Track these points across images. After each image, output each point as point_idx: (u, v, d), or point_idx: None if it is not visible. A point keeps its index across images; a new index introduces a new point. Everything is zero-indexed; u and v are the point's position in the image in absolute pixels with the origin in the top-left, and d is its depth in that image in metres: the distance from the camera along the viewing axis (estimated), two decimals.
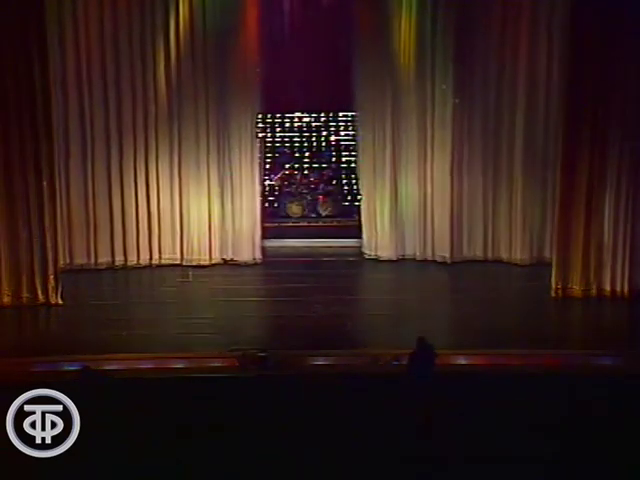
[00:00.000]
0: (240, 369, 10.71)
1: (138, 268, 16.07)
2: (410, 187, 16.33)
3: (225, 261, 16.40)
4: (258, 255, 16.56)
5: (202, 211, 16.22)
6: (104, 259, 15.98)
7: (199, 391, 9.62)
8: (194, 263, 16.19)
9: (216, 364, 11.19)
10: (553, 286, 14.05)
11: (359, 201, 17.57)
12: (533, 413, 8.23)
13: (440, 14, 15.55)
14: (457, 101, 15.85)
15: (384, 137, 16.31)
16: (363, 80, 16.50)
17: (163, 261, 16.27)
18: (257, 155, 16.79)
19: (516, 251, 15.97)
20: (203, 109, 15.97)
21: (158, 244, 16.23)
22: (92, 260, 15.91)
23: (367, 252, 16.73)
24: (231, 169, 16.27)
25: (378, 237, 16.61)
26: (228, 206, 16.33)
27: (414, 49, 15.88)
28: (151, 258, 16.22)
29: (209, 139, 16.07)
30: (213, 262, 16.29)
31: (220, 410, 8.67)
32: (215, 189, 16.23)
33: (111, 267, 16.01)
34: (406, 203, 16.40)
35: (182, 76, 15.77)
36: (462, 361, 11.40)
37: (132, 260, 16.12)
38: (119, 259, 16.07)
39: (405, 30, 15.89)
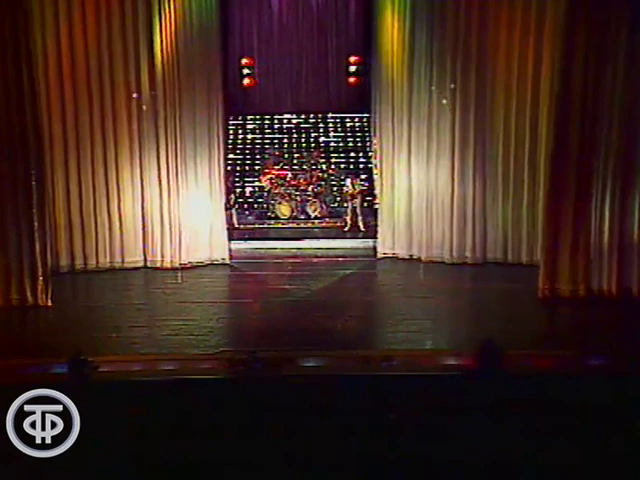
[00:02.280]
0: (229, 370, 10.70)
1: (100, 271, 16.03)
2: (431, 188, 16.31)
3: (183, 265, 16.33)
4: (220, 256, 16.59)
5: (164, 213, 16.18)
6: (65, 262, 15.89)
7: (188, 392, 9.62)
8: (158, 265, 16.23)
9: (205, 366, 11.17)
10: (540, 287, 13.94)
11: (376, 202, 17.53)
12: (529, 414, 8.32)
13: (462, 17, 15.53)
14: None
15: (401, 139, 16.32)
16: (380, 84, 16.53)
17: (126, 264, 16.22)
18: (221, 158, 16.69)
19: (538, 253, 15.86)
20: (164, 113, 15.89)
21: (120, 247, 16.18)
22: (54, 263, 15.68)
23: (383, 251, 16.79)
24: (186, 171, 16.16)
25: (395, 237, 16.69)
26: (189, 208, 16.29)
27: (436, 52, 15.83)
28: (112, 261, 16.17)
29: (170, 143, 15.97)
30: (178, 264, 16.25)
31: (210, 411, 8.70)
32: (177, 191, 16.16)
33: (72, 270, 15.92)
34: (427, 204, 16.39)
35: (142, 80, 15.72)
36: (454, 362, 11.45)
37: (92, 263, 16.04)
38: (79, 262, 15.99)
39: (426, 33, 15.86)
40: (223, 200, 16.87)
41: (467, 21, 15.47)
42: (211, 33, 16.23)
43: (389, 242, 16.78)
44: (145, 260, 16.32)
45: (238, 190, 19.84)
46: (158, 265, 16.22)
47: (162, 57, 15.65)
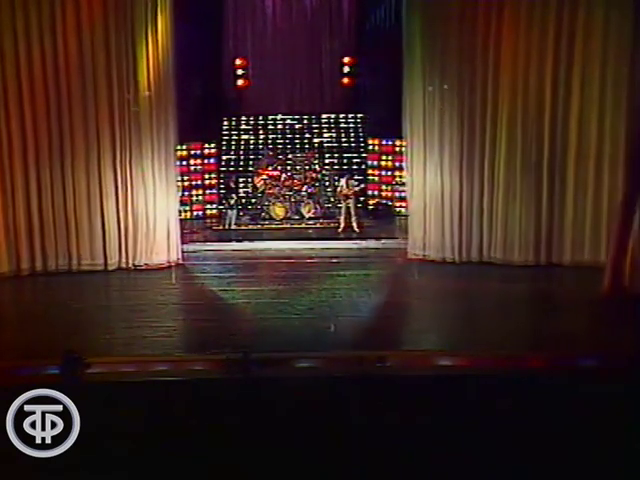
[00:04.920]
0: (224, 372, 10.71)
1: (59, 274, 15.94)
2: (463, 189, 16.27)
3: (136, 266, 16.38)
4: (174, 257, 16.60)
5: (120, 215, 16.22)
6: (25, 265, 15.81)
7: (183, 394, 9.65)
8: (115, 267, 16.24)
9: (200, 367, 11.19)
10: (606, 285, 14.01)
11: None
12: (529, 415, 8.36)
13: (494, 17, 15.56)
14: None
15: (432, 142, 16.24)
16: (411, 87, 16.39)
17: (82, 267, 16.14)
18: (173, 161, 16.66)
19: (567, 254, 15.92)
20: (120, 117, 15.95)
21: (77, 249, 16.11)
22: (14, 267, 15.74)
23: (415, 252, 16.70)
24: (143, 173, 16.19)
25: (426, 237, 16.62)
26: (143, 210, 16.32)
27: (466, 54, 15.81)
28: (70, 264, 16.10)
29: (125, 145, 16.04)
30: (140, 265, 16.35)
31: (205, 412, 8.73)
32: (130, 193, 16.21)
33: (33, 273, 15.84)
34: (459, 205, 16.33)
35: (97, 79, 15.74)
36: (456, 362, 11.45)
37: (51, 266, 15.98)
38: (39, 265, 15.91)
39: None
40: (177, 203, 16.97)
41: (498, 22, 15.52)
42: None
43: (420, 244, 16.69)
44: (105, 262, 16.25)
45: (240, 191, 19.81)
46: (117, 267, 16.26)
47: (118, 65, 15.78)
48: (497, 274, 15.66)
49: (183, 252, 16.92)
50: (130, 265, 16.36)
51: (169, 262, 16.52)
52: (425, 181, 16.44)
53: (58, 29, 15.42)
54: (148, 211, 16.33)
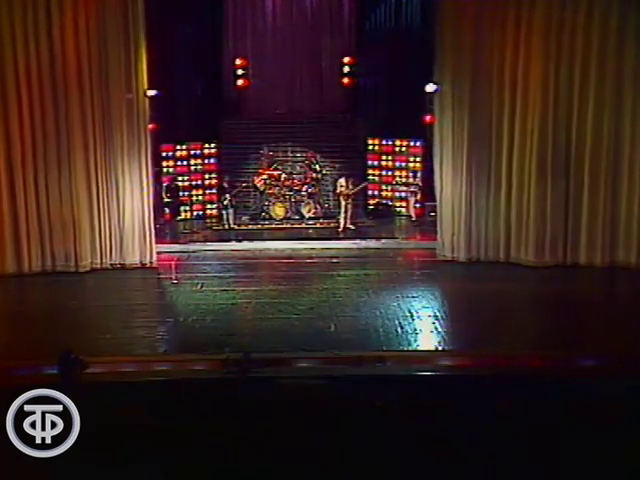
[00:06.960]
0: (224, 372, 10.74)
1: (34, 275, 15.96)
2: (491, 189, 16.38)
3: (113, 265, 16.49)
4: (149, 259, 16.65)
5: (94, 216, 16.30)
6: None
7: (183, 394, 9.65)
8: (88, 268, 16.27)
9: (200, 367, 11.21)
10: None
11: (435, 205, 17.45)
12: (529, 414, 8.36)
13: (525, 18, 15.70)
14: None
15: (462, 144, 16.32)
16: (442, 90, 16.42)
17: (57, 268, 16.18)
18: (145, 161, 16.60)
19: (595, 255, 16.03)
20: (92, 117, 16.05)
21: (50, 250, 16.15)
22: None
23: (444, 254, 16.76)
24: (115, 174, 16.35)
25: (455, 239, 16.67)
26: (115, 211, 16.43)
27: (497, 58, 15.95)
28: (44, 265, 16.13)
29: (99, 146, 16.17)
30: (108, 266, 16.45)
31: (204, 412, 8.73)
32: (104, 193, 16.33)
33: (5, 275, 15.82)
34: (486, 205, 16.44)
35: (69, 77, 15.83)
36: (460, 362, 11.59)
37: (25, 268, 15.99)
38: (15, 267, 15.94)
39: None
40: (151, 203, 16.90)
41: (528, 26, 15.64)
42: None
43: (448, 246, 16.72)
44: (76, 264, 16.25)
45: (233, 191, 19.74)
46: (91, 268, 16.32)
47: (91, 67, 15.92)
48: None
49: (157, 253, 16.88)
50: (106, 265, 16.43)
51: (142, 263, 16.59)
52: (454, 185, 16.52)
53: (29, 32, 15.46)
54: (121, 212, 16.44)
